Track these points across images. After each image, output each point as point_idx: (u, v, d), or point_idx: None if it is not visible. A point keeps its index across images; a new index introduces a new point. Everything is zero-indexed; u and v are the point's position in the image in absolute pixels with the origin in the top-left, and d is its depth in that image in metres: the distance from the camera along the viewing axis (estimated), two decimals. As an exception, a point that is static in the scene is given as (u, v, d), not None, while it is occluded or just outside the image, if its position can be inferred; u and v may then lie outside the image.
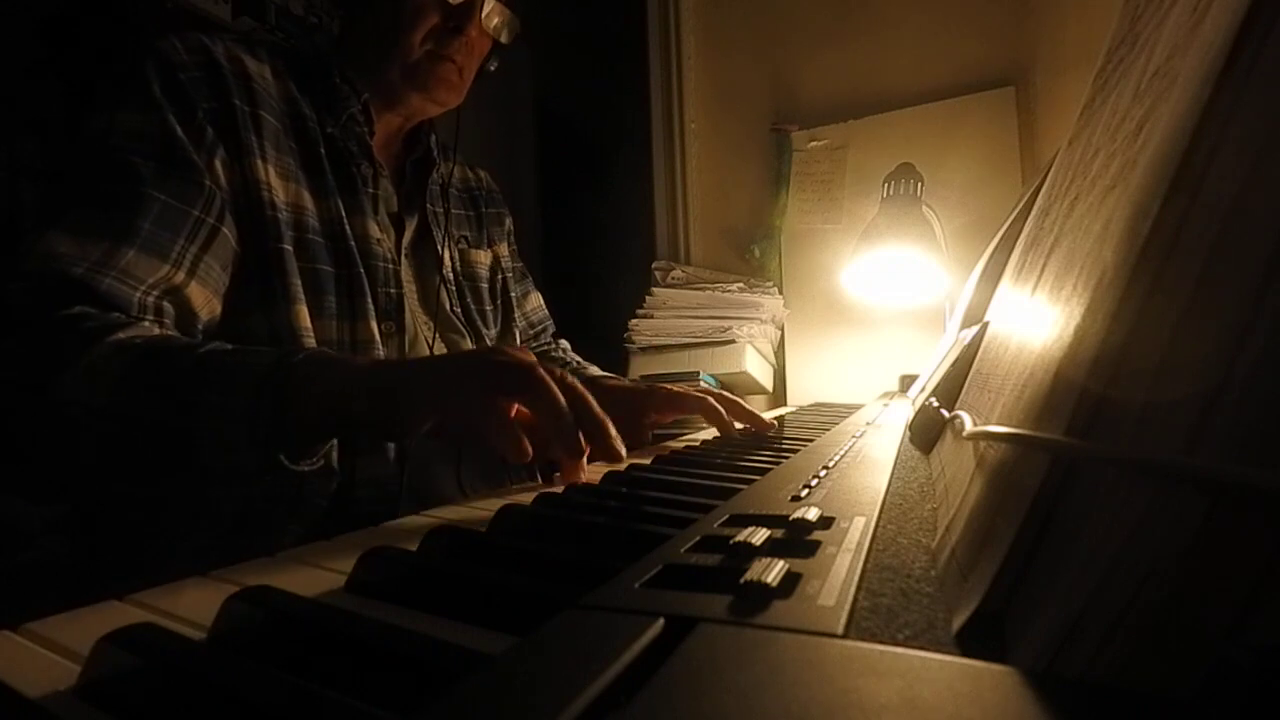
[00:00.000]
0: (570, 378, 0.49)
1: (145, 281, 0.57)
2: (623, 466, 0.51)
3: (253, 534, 0.60)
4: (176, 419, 0.47)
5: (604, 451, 0.49)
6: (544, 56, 2.07)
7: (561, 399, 0.45)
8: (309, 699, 0.17)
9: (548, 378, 0.46)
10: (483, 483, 0.78)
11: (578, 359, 1.06)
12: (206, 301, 0.62)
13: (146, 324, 0.55)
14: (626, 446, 0.51)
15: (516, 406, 0.48)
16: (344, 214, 0.72)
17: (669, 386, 0.78)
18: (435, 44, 0.75)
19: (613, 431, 0.49)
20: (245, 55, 0.69)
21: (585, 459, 0.48)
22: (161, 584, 0.28)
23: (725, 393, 0.78)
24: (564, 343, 1.09)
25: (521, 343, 0.99)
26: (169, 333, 0.57)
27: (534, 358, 0.48)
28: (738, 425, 0.74)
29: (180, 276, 0.59)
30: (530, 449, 0.45)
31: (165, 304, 0.59)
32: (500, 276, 0.97)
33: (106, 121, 0.59)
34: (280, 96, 0.71)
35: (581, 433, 0.47)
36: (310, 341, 0.66)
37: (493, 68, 0.84)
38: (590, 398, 0.49)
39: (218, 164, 0.63)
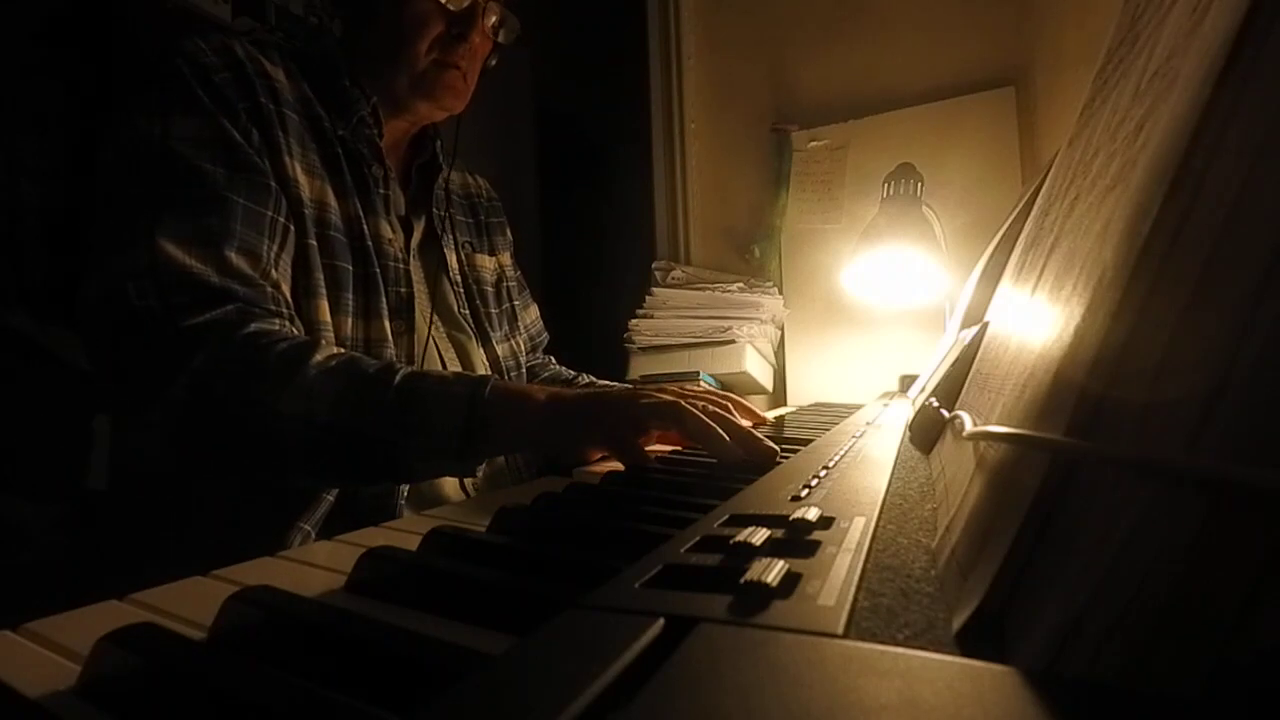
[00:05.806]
0: (712, 404, 0.58)
1: (259, 281, 0.60)
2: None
3: (254, 534, 0.60)
4: (391, 435, 0.54)
5: (757, 456, 0.52)
6: (544, 57, 2.06)
7: (707, 422, 0.53)
8: (309, 699, 0.17)
9: (694, 410, 0.54)
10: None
11: (567, 370, 1.06)
12: (288, 300, 0.64)
13: (323, 342, 0.59)
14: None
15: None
16: (361, 213, 0.73)
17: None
18: (441, 52, 0.75)
19: (760, 437, 0.54)
20: (262, 57, 0.69)
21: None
22: (161, 584, 0.28)
23: (726, 395, 0.73)
24: (550, 358, 1.10)
25: (525, 354, 1.00)
26: (352, 353, 0.61)
27: (674, 396, 0.57)
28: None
29: (273, 276, 0.62)
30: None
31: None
32: (505, 284, 0.98)
33: (162, 127, 0.60)
34: (296, 97, 0.71)
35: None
36: (329, 336, 0.67)
37: (492, 63, 0.84)
38: (730, 415, 0.56)
39: (266, 163, 0.64)
